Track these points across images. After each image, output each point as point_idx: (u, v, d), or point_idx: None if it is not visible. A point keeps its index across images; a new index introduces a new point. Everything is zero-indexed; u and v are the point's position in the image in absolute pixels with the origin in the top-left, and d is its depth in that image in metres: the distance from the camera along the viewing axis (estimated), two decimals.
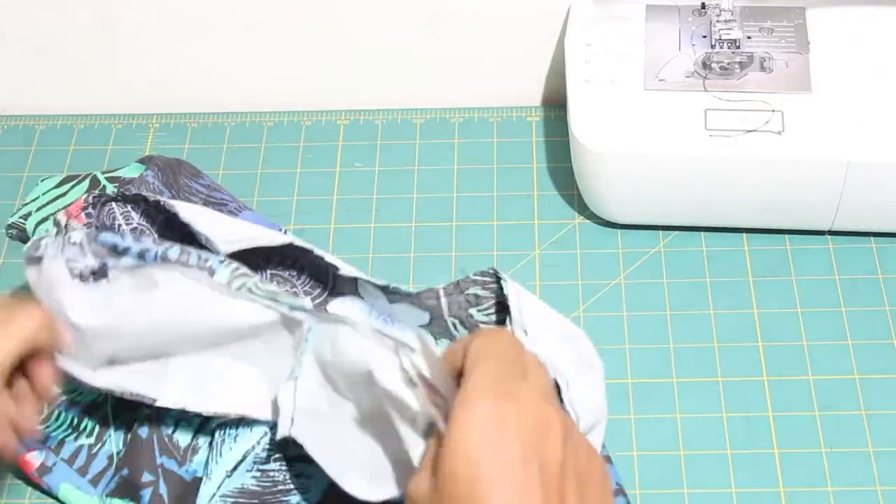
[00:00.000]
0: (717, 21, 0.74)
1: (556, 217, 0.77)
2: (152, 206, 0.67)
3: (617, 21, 0.75)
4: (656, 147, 0.70)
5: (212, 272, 0.59)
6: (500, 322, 0.63)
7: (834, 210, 0.72)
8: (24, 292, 0.63)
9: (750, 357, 0.69)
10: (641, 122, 0.71)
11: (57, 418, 0.66)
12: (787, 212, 0.73)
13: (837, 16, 0.74)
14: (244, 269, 0.60)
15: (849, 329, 0.70)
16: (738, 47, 0.73)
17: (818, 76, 0.71)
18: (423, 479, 0.48)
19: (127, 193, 0.67)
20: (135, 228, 0.67)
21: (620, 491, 0.62)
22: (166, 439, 0.64)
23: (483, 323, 0.64)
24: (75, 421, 0.66)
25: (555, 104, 0.85)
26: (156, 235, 0.68)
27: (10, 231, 0.77)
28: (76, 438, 0.66)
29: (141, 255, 0.60)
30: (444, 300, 0.64)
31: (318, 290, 0.68)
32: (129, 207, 0.68)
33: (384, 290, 0.65)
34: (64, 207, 0.68)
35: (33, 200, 0.78)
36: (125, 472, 0.64)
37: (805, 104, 0.70)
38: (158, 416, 0.64)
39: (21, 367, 0.59)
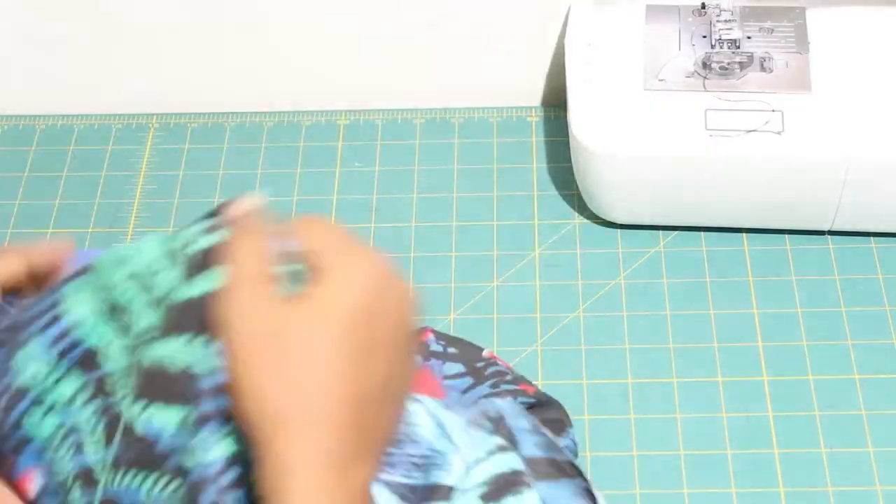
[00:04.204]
0: (717, 21, 0.74)
1: (557, 217, 0.77)
2: None
3: (617, 21, 0.75)
4: (657, 147, 0.70)
5: None
6: None
7: (834, 210, 0.72)
8: None
9: (750, 357, 0.69)
10: (642, 122, 0.71)
11: None
12: (787, 212, 0.73)
13: (837, 16, 0.74)
14: None
15: (849, 329, 0.70)
16: (739, 47, 0.73)
17: (818, 76, 0.71)
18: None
19: None
20: None
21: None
22: None
23: None
24: None
25: (555, 104, 0.85)
26: None
27: None
28: None
29: None
30: None
31: None
32: None
33: None
34: None
35: None
36: None
37: (805, 104, 0.70)
38: None
39: None
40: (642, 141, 0.71)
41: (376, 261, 0.45)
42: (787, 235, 0.75)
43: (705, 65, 0.73)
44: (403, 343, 0.46)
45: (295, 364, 0.44)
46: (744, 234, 0.75)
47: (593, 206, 0.76)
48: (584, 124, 0.72)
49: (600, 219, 0.76)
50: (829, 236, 0.75)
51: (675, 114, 0.71)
